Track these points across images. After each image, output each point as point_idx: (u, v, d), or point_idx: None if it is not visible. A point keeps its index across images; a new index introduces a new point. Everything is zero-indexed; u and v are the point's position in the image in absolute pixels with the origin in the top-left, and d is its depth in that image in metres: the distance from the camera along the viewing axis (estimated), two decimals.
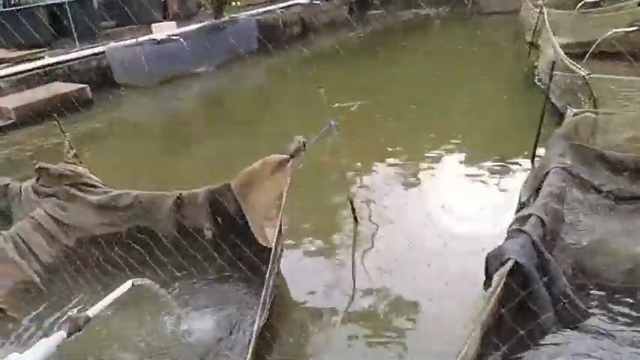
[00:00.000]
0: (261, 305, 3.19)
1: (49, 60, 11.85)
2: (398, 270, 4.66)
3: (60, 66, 11.86)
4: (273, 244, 3.61)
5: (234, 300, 4.24)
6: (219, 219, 4.49)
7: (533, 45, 10.36)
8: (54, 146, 9.07)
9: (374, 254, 5.00)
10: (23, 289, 4.41)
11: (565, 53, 6.73)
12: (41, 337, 4.49)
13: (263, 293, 3.28)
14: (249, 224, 4.20)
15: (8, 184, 5.64)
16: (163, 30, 14.26)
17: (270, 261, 3.46)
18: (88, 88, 10.99)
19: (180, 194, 4.59)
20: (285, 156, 4.14)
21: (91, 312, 2.71)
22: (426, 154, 6.99)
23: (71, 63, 12.08)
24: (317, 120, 4.82)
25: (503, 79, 9.59)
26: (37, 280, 4.46)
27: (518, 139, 6.61)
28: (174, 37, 13.40)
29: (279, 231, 3.78)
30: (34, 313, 4.43)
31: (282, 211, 3.88)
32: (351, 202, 5.32)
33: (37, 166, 5.04)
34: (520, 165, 6.30)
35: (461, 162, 6.80)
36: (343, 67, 12.58)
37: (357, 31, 17.56)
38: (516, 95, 8.47)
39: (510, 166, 6.34)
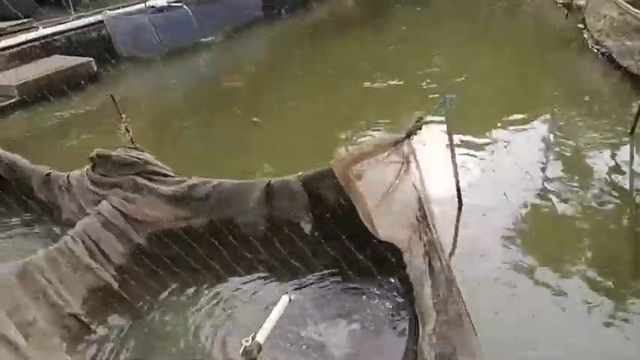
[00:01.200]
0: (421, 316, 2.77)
1: (44, 31, 10.82)
2: None
3: (57, 37, 10.86)
4: (426, 235, 3.16)
5: (361, 307, 3.71)
6: (317, 209, 4.00)
7: (569, 6, 9.90)
8: (61, 125, 8.41)
9: None
10: (98, 295, 3.88)
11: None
12: (114, 346, 4.19)
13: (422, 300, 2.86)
14: (360, 215, 3.72)
15: (50, 173, 5.01)
16: None
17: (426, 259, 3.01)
18: (93, 62, 10.09)
19: (270, 182, 4.06)
20: (400, 135, 3.65)
21: (260, 337, 2.24)
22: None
23: (69, 34, 11.07)
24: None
25: (552, 45, 8.97)
26: (114, 284, 3.92)
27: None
28: (177, 5, 12.45)
29: (424, 219, 3.32)
30: (109, 320, 3.94)
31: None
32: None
33: (93, 154, 4.41)
34: None
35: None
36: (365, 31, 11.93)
37: None
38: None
39: None
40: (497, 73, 8.19)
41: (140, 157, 4.34)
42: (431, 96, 7.30)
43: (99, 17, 11.68)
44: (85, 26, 11.41)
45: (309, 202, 3.98)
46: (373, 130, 6.54)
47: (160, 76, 10.68)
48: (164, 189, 4.25)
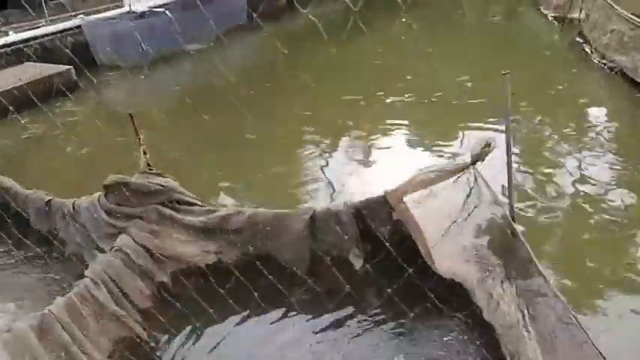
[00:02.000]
0: None
1: (15, 36, 10.00)
2: None
3: (30, 43, 10.07)
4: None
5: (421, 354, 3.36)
6: (368, 242, 3.64)
7: (563, 20, 9.98)
8: (41, 138, 7.71)
9: None
10: (124, 346, 3.39)
11: None
12: None
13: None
14: (419, 248, 3.40)
15: (50, 201, 4.45)
16: (135, 1, 12.62)
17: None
18: (73, 70, 9.38)
19: (314, 212, 3.68)
20: (465, 162, 3.36)
21: None
22: None
23: (43, 40, 10.29)
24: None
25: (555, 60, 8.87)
26: (142, 332, 3.43)
27: None
28: (159, 10, 11.84)
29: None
30: None
31: None
32: None
33: (109, 180, 3.90)
34: None
35: None
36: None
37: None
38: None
39: None
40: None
41: (164, 184, 3.87)
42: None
43: (76, 22, 10.94)
44: (60, 32, 10.65)
45: (359, 234, 3.62)
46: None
47: (144, 86, 10.07)
48: (192, 220, 3.79)
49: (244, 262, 3.80)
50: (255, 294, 3.55)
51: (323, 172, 6.11)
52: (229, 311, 3.75)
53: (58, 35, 10.58)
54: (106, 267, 3.50)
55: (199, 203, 3.92)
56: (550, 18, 10.87)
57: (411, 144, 6.69)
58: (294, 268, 3.71)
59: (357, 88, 8.47)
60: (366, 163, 6.33)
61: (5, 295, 4.17)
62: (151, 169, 4.02)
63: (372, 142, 6.74)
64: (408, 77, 8.85)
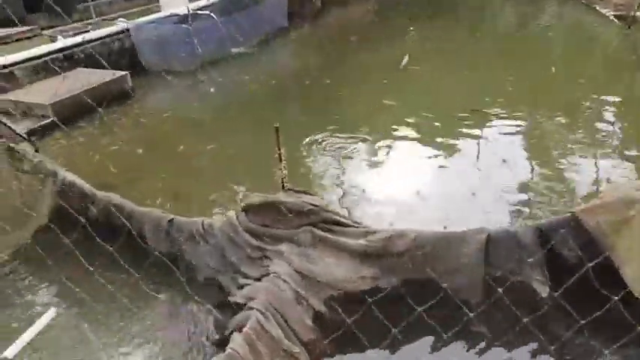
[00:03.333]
0: None
1: (64, 41, 9.68)
2: None
3: (81, 48, 9.75)
4: None
5: None
6: (554, 267, 3.31)
7: (628, 18, 9.63)
8: (106, 149, 7.38)
9: None
10: None
11: None
12: None
13: None
14: (623, 274, 3.07)
15: (172, 220, 4.12)
16: (172, 4, 12.32)
17: None
18: (129, 76, 9.07)
19: (489, 233, 3.35)
20: None
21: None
22: None
23: (92, 45, 9.97)
24: None
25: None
26: None
27: None
28: (203, 13, 11.53)
29: None
30: None
31: None
32: None
33: (252, 200, 3.57)
34: None
35: None
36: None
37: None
38: None
39: None
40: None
41: (315, 203, 3.54)
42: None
43: (123, 26, 10.63)
44: (108, 36, 10.33)
45: (546, 256, 3.29)
46: None
47: (199, 90, 9.71)
48: (351, 243, 3.46)
49: (405, 290, 3.48)
50: (424, 324, 3.24)
51: None
52: (390, 343, 3.43)
53: (107, 40, 10.27)
54: (269, 296, 3.18)
55: (352, 224, 3.59)
56: (611, 17, 10.54)
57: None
58: (464, 297, 3.38)
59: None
60: None
61: (145, 326, 3.80)
62: (292, 187, 3.71)
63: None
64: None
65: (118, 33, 10.48)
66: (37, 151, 4.88)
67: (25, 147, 4.88)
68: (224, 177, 6.16)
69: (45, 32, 11.28)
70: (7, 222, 4.58)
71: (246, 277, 3.56)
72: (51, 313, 2.75)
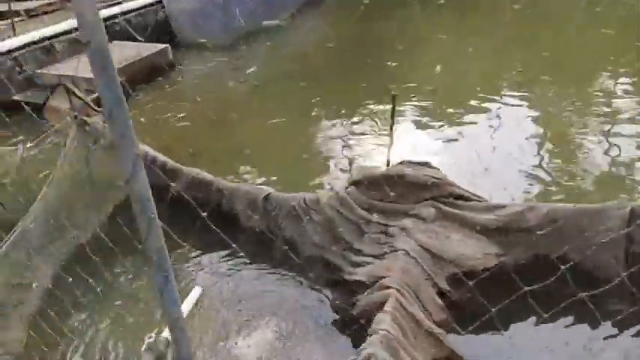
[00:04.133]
0: None
1: (101, 13, 9.30)
2: None
3: (116, 21, 9.41)
4: None
5: None
6: None
7: None
8: (155, 125, 7.14)
9: None
10: None
11: None
12: None
13: None
14: None
15: (268, 195, 3.92)
16: None
17: None
18: (169, 49, 8.76)
19: (633, 207, 3.13)
20: None
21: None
22: None
23: (127, 17, 9.63)
24: None
25: None
26: (456, 353, 2.93)
27: None
28: None
29: None
30: None
31: None
32: None
33: (364, 174, 3.36)
34: None
35: None
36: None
37: None
38: None
39: None
40: None
41: (437, 176, 3.32)
42: None
43: None
44: (142, 7, 9.97)
45: None
46: None
47: (240, 64, 9.37)
48: (478, 217, 3.26)
49: (533, 266, 3.28)
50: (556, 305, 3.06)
51: None
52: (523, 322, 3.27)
53: (141, 11, 9.91)
54: (403, 274, 2.99)
55: (477, 198, 3.38)
56: None
57: None
58: (603, 275, 3.18)
59: None
60: None
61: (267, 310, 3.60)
62: (415, 161, 3.48)
63: None
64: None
65: (151, 4, 10.11)
66: None
67: (99, 120, 4.64)
68: (283, 151, 5.98)
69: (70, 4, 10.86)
70: (84, 198, 4.40)
71: (361, 254, 3.37)
72: (197, 291, 2.57)
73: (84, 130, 4.51)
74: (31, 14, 10.47)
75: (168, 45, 8.75)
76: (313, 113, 6.89)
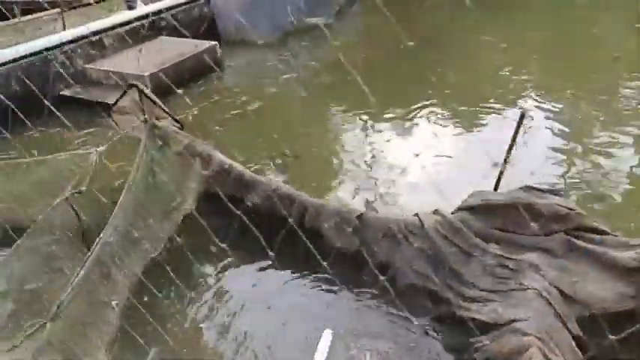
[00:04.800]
0: None
1: (145, 9, 9.09)
2: None
3: (163, 15, 9.17)
4: None
5: None
6: None
7: None
8: (208, 125, 6.87)
9: None
10: None
11: None
12: None
13: None
14: None
15: (361, 215, 3.60)
16: None
17: None
18: (218, 46, 8.49)
19: None
20: None
21: None
22: None
23: (173, 12, 9.38)
24: None
25: None
26: None
27: None
28: None
29: None
30: None
31: None
32: None
33: (484, 200, 3.02)
34: None
35: None
36: None
37: None
38: None
39: None
40: None
41: (569, 206, 2.97)
42: None
43: None
44: (187, 3, 9.71)
45: None
46: None
47: (289, 63, 9.02)
48: (614, 255, 2.90)
49: None
50: None
51: None
52: None
53: (186, 7, 9.66)
54: (538, 318, 2.65)
55: (611, 232, 3.01)
56: None
57: None
58: None
59: None
60: None
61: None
62: (531, 185, 3.12)
63: None
64: None
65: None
66: (181, 129, 4.36)
67: (169, 124, 4.36)
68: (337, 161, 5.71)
69: None
70: (156, 207, 4.13)
71: (475, 287, 3.03)
72: (328, 336, 2.25)
73: (154, 134, 4.25)
74: (71, 6, 10.27)
75: (217, 42, 8.47)
76: (364, 114, 6.62)
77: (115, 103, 4.34)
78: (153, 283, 3.51)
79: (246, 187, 4.06)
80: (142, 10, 9.01)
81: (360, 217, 3.56)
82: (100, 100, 7.03)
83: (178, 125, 4.38)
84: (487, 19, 9.70)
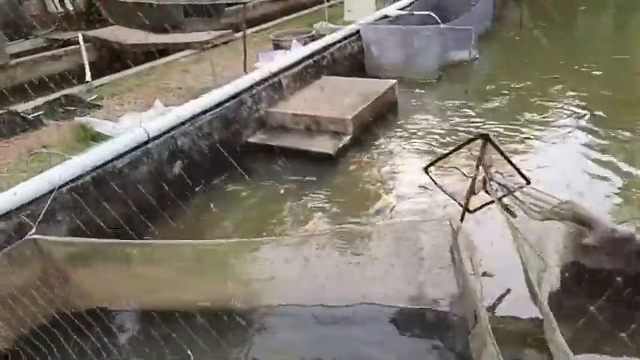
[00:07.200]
0: None
1: (311, 46, 8.66)
2: None
3: (325, 54, 8.76)
4: None
5: None
6: None
7: None
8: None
9: None
10: None
11: None
12: None
13: None
14: None
15: None
16: (359, 10, 11.05)
17: None
18: (396, 85, 7.97)
19: None
20: None
21: None
22: None
23: (332, 50, 8.97)
24: None
25: None
26: None
27: None
28: (424, 13, 10.34)
29: None
30: None
31: None
32: None
33: None
34: None
35: None
36: None
37: None
38: None
39: None
40: None
41: None
42: None
43: (354, 27, 9.60)
44: (343, 39, 9.32)
45: None
46: None
47: (464, 100, 8.34)
48: None
49: None
50: None
51: None
52: None
53: (341, 44, 9.26)
54: None
55: None
56: None
57: None
58: None
59: None
60: None
61: None
62: None
63: None
64: None
65: (350, 35, 9.46)
66: (528, 183, 3.66)
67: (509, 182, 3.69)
68: None
69: (284, 37, 10.05)
70: None
71: None
72: None
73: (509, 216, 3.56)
74: (204, 47, 9.96)
75: (396, 80, 7.94)
76: None
77: (431, 164, 3.71)
78: None
79: None
80: (307, 49, 8.60)
81: None
82: (301, 148, 6.56)
83: (525, 181, 3.69)
84: None
